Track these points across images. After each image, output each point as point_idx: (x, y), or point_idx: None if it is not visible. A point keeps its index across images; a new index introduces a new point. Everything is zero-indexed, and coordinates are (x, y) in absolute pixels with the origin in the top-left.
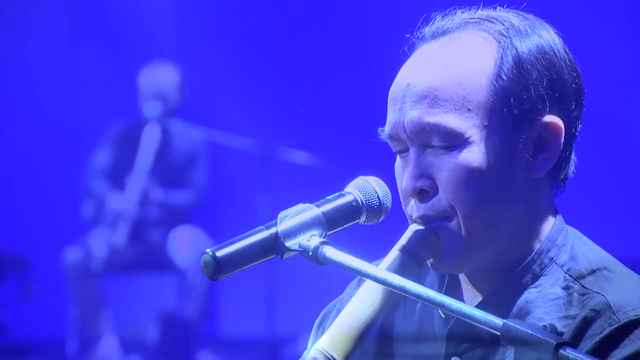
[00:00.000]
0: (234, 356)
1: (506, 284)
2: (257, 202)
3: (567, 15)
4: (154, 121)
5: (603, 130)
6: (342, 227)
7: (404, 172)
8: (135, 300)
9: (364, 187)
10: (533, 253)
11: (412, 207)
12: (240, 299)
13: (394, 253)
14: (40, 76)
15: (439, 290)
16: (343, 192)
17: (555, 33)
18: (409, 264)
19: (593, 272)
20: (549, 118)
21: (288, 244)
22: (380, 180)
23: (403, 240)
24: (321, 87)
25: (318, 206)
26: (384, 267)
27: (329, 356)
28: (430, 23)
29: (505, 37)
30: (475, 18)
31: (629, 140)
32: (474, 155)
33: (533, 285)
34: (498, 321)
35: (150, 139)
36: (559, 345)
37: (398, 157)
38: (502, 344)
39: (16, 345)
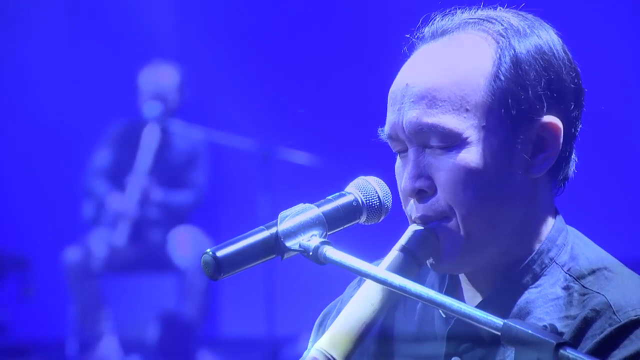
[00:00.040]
0: (234, 356)
1: (506, 284)
2: (257, 202)
3: (567, 15)
4: (154, 121)
5: (603, 130)
6: (342, 227)
7: (403, 173)
8: (135, 300)
9: (365, 187)
10: (533, 253)
11: (412, 207)
12: (240, 299)
13: (393, 253)
14: (40, 76)
15: (440, 291)
16: (343, 192)
17: (554, 33)
18: (408, 264)
19: (593, 272)
20: (548, 118)
21: (288, 244)
22: (380, 180)
23: (403, 240)
24: (321, 87)
25: (318, 206)
26: (384, 267)
27: (329, 356)
28: (430, 23)
29: (504, 37)
30: (475, 18)
31: (629, 140)
32: (472, 155)
33: (533, 285)
34: (498, 321)
35: (150, 139)
36: (559, 345)
37: (398, 157)
38: (502, 344)
39: (16, 345)
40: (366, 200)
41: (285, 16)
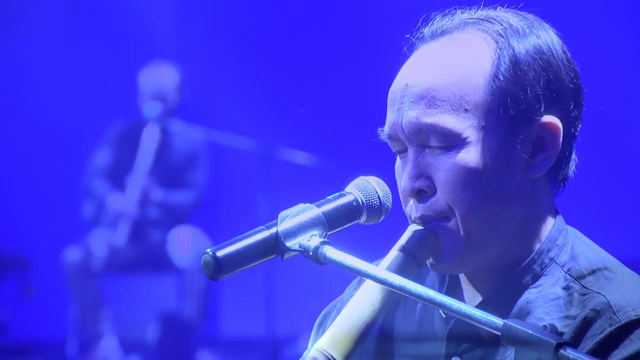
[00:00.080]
0: (234, 356)
1: (506, 284)
2: (257, 202)
3: (567, 15)
4: (154, 121)
5: (603, 130)
6: (342, 227)
7: (403, 173)
8: (135, 300)
9: (365, 187)
10: (533, 253)
11: (411, 207)
12: (240, 299)
13: (393, 253)
14: (40, 76)
15: (440, 291)
16: (343, 192)
17: (554, 33)
18: (408, 264)
19: (593, 272)
20: (547, 118)
21: (288, 244)
22: (380, 180)
23: (402, 240)
24: (321, 87)
25: (318, 206)
26: (384, 267)
27: (329, 356)
28: (430, 23)
29: (503, 37)
30: (475, 18)
31: (629, 140)
32: (472, 155)
33: (533, 285)
34: (498, 321)
35: (150, 139)
36: (560, 345)
37: (398, 157)
38: (502, 344)
39: (16, 345)
40: (366, 200)
41: (285, 16)
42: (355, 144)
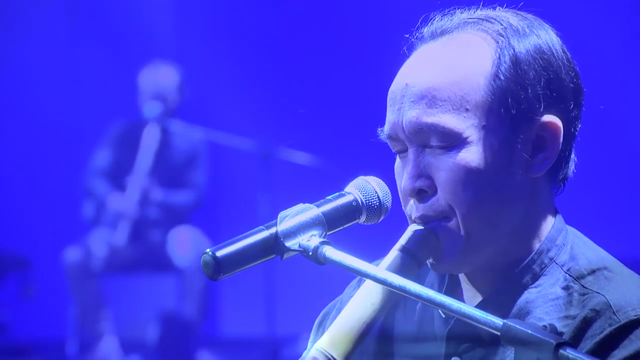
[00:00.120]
0: (234, 356)
1: (506, 284)
2: (257, 202)
3: (566, 15)
4: (154, 121)
5: (603, 130)
6: (342, 227)
7: (403, 172)
8: (135, 300)
9: (364, 187)
10: (533, 253)
11: (412, 207)
12: (240, 299)
13: (393, 253)
14: (40, 76)
15: (439, 291)
16: (343, 192)
17: (554, 33)
18: (408, 264)
19: (593, 272)
20: (547, 118)
21: (288, 244)
22: (380, 180)
23: (402, 240)
24: (321, 87)
25: (318, 206)
26: (383, 267)
27: (329, 356)
28: (430, 23)
29: (503, 37)
30: (474, 18)
31: (629, 140)
32: (472, 155)
33: (533, 285)
34: (498, 321)
35: (150, 139)
36: (559, 345)
37: (398, 157)
38: (502, 344)
39: (16, 345)
40: (366, 201)
41: (285, 16)
42: (355, 144)
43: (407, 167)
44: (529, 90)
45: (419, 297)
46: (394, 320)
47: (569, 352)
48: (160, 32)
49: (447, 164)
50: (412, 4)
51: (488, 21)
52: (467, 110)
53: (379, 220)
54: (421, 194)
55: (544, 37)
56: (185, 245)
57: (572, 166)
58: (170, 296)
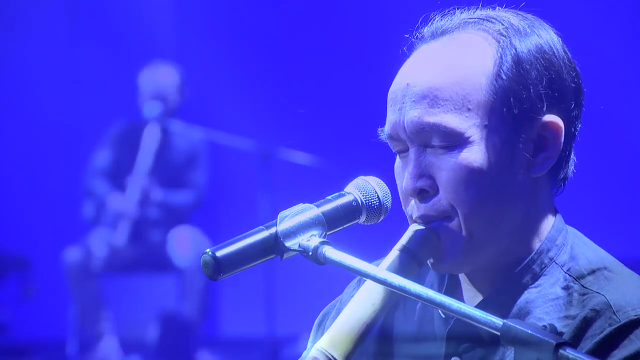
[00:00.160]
0: (234, 356)
1: (506, 284)
2: (257, 202)
3: (567, 15)
4: (154, 121)
5: (603, 130)
6: (342, 227)
7: (403, 172)
8: (135, 300)
9: (364, 187)
10: (533, 253)
11: (413, 207)
12: (240, 299)
13: (394, 253)
14: (40, 76)
15: (439, 290)
16: (343, 192)
17: (554, 33)
18: (409, 264)
19: (593, 272)
20: (549, 117)
21: (288, 244)
22: (380, 180)
23: (403, 240)
24: (321, 87)
25: (318, 206)
26: (384, 267)
27: (330, 356)
28: (430, 23)
29: (505, 36)
30: (475, 18)
31: (629, 140)
32: (475, 155)
33: (533, 285)
34: (498, 321)
35: (150, 139)
36: (559, 345)
37: (398, 157)
38: (502, 344)
39: (16, 345)
40: (366, 201)
41: (285, 16)
42: (355, 144)
43: (408, 167)
44: (531, 90)
45: (419, 297)
46: (393, 321)
47: (568, 352)
48: (160, 32)
49: (449, 164)
50: (412, 4)
51: (489, 21)
52: (469, 110)
53: (379, 220)
54: (423, 194)
55: (545, 36)
56: (185, 245)
57: (572, 166)
58: (170, 296)
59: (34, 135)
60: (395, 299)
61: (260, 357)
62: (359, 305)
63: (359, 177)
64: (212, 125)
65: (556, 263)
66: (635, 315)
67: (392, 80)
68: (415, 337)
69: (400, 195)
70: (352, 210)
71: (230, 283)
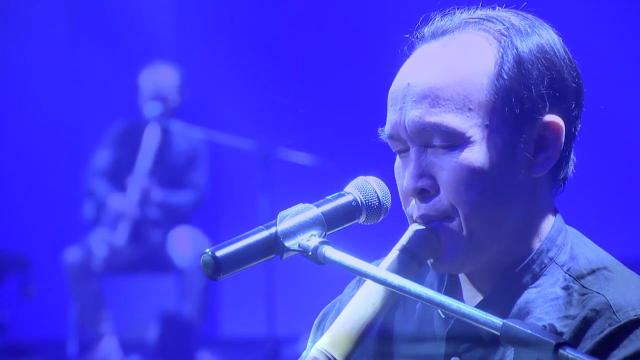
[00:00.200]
0: (234, 356)
1: (506, 284)
2: (257, 202)
3: (567, 15)
4: (154, 121)
5: (603, 130)
6: (341, 227)
7: (404, 172)
8: (135, 300)
9: (364, 187)
10: (533, 253)
11: (413, 207)
12: (240, 299)
13: (394, 253)
14: (40, 76)
15: (439, 290)
16: (343, 192)
17: (554, 33)
18: (409, 264)
19: (593, 272)
20: (550, 117)
21: (288, 243)
22: (379, 180)
23: (403, 240)
24: (321, 87)
25: (318, 206)
26: (384, 267)
27: (330, 356)
28: (430, 23)
29: (506, 36)
30: (475, 18)
31: (629, 140)
32: (476, 154)
33: (533, 285)
34: (498, 321)
35: (150, 139)
36: (559, 345)
37: (398, 157)
38: (501, 344)
39: (16, 345)
40: (365, 201)
41: (285, 16)
42: (355, 144)
43: (408, 167)
44: (533, 90)
45: (418, 297)
46: (393, 321)
47: (568, 352)
48: (160, 33)
49: (450, 164)
50: (412, 4)
51: (489, 21)
52: (470, 109)
53: (379, 220)
54: (423, 194)
55: (546, 36)
56: (185, 245)
57: (572, 166)
58: (170, 296)
59: (34, 136)
60: (395, 299)
61: (260, 357)
62: (359, 305)
63: (358, 177)
64: (212, 125)
65: (556, 263)
66: (635, 315)
67: (392, 80)
68: (415, 337)
69: (400, 195)
70: (351, 210)
71: (230, 283)
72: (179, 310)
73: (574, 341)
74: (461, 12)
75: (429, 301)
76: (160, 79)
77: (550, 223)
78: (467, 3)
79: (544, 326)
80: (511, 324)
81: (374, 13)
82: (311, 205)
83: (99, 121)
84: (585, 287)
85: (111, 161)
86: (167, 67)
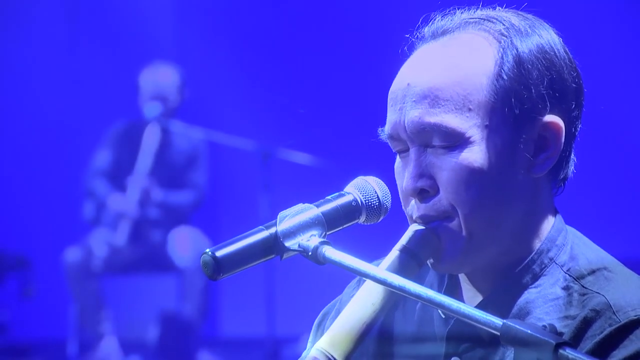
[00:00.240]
0: (234, 356)
1: (506, 284)
2: (257, 202)
3: (567, 15)
4: (154, 121)
5: (603, 130)
6: (341, 227)
7: (404, 172)
8: (135, 300)
9: (364, 187)
10: (533, 253)
11: (413, 207)
12: (240, 299)
13: (394, 253)
14: (41, 76)
15: (439, 290)
16: (343, 192)
17: (555, 33)
18: (409, 264)
19: (593, 272)
20: (550, 118)
21: (288, 244)
22: (379, 180)
23: (403, 240)
24: (321, 87)
25: (318, 206)
26: (384, 267)
27: (330, 356)
28: (430, 23)
29: (506, 36)
30: (475, 18)
31: (629, 140)
32: (475, 155)
33: (533, 286)
34: (498, 321)
35: (150, 139)
36: (559, 345)
37: (398, 157)
38: (501, 344)
39: (16, 345)
40: (365, 201)
41: (285, 16)
42: (355, 144)
43: (408, 167)
44: (533, 90)
45: (419, 297)
46: (393, 321)
47: (568, 352)
48: (160, 32)
49: (450, 164)
50: (412, 4)
51: (490, 21)
52: (470, 110)
53: (379, 220)
54: (423, 194)
55: (546, 37)
56: (185, 245)
57: (572, 166)
58: (170, 296)
59: (34, 136)
60: (395, 299)
61: (260, 357)
62: (359, 305)
63: (358, 177)
64: (212, 125)
65: (556, 263)
66: (635, 316)
67: (392, 80)
68: (415, 337)
69: (400, 195)
70: (351, 210)
71: (230, 283)
72: (179, 310)
73: (574, 341)
74: (461, 12)
75: (429, 301)
76: (160, 79)
77: (550, 223)
78: (467, 3)
79: (544, 326)
80: (511, 324)
81: (374, 13)
82: (311, 205)
83: (99, 121)
84: (586, 287)
85: (111, 161)
86: (167, 67)
